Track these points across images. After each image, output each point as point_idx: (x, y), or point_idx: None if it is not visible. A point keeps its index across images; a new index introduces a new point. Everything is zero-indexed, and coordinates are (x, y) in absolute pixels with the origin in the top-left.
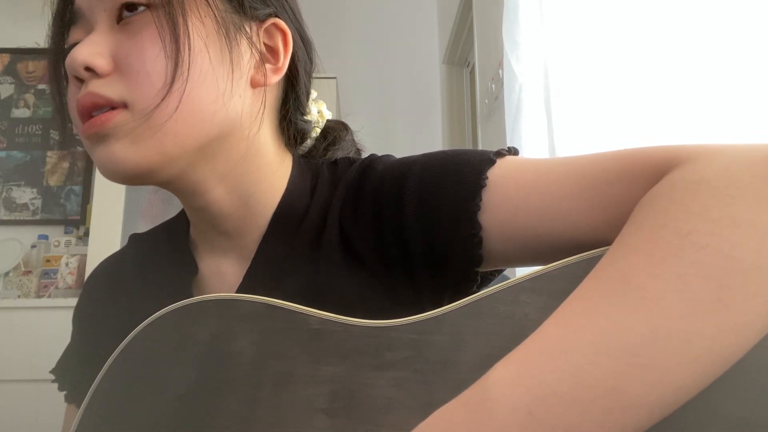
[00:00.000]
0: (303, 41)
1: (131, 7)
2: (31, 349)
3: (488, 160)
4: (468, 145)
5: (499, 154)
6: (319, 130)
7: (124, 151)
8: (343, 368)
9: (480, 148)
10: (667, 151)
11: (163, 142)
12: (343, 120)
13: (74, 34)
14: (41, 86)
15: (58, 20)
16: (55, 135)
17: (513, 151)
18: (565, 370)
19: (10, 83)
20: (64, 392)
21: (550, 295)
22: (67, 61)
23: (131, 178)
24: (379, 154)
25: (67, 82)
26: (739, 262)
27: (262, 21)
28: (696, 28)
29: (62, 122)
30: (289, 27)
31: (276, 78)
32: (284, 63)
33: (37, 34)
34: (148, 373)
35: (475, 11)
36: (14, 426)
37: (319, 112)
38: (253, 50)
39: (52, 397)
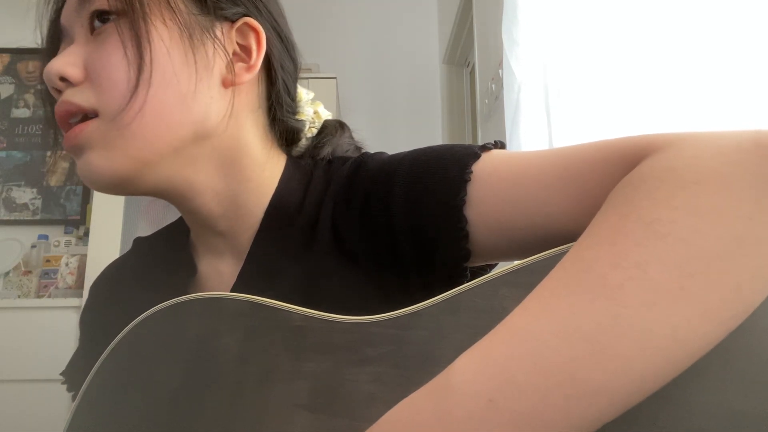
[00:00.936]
0: (282, 40)
1: (101, 18)
2: (31, 349)
3: (473, 154)
4: None
5: (485, 148)
6: (315, 131)
7: (100, 160)
8: (324, 364)
9: None
10: (642, 140)
11: (134, 147)
12: (343, 120)
13: (60, 51)
14: (41, 86)
15: (49, 41)
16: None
17: (499, 145)
18: (526, 357)
19: (10, 83)
20: (72, 393)
21: (529, 288)
22: (44, 72)
23: (112, 186)
24: (372, 152)
25: None
26: (702, 250)
27: (233, 21)
28: (695, 27)
29: (54, 138)
30: (263, 26)
31: (248, 76)
32: (257, 61)
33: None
34: (136, 371)
35: (475, 11)
36: (14, 426)
37: (315, 112)
38: (220, 51)
39: (52, 397)
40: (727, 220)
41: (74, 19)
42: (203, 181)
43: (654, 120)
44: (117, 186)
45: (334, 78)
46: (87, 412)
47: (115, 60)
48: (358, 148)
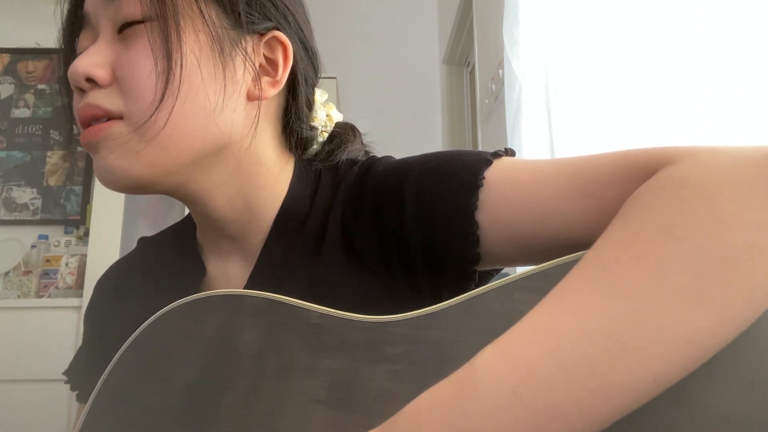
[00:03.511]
0: (307, 52)
1: (130, 21)
2: (31, 349)
3: (485, 160)
4: (468, 146)
5: (496, 155)
6: (326, 135)
7: (118, 163)
8: (341, 361)
9: (480, 148)
10: (658, 152)
11: (155, 156)
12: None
13: (82, 40)
14: (41, 86)
15: (69, 23)
16: (55, 135)
17: (510, 152)
18: (547, 352)
19: (10, 83)
20: (76, 392)
21: (543, 293)
22: (69, 71)
23: (126, 188)
24: (379, 156)
25: None
26: (718, 255)
27: (262, 34)
28: (695, 27)
29: (68, 122)
30: (291, 39)
31: (273, 91)
32: (283, 76)
33: (37, 34)
34: (154, 366)
35: (475, 11)
36: (14, 426)
37: (327, 116)
38: (249, 65)
39: (52, 397)
40: (742, 227)
41: (101, 12)
42: (217, 188)
43: (654, 120)
44: (131, 188)
45: (334, 78)
46: (105, 405)
47: (145, 68)
48: (367, 152)
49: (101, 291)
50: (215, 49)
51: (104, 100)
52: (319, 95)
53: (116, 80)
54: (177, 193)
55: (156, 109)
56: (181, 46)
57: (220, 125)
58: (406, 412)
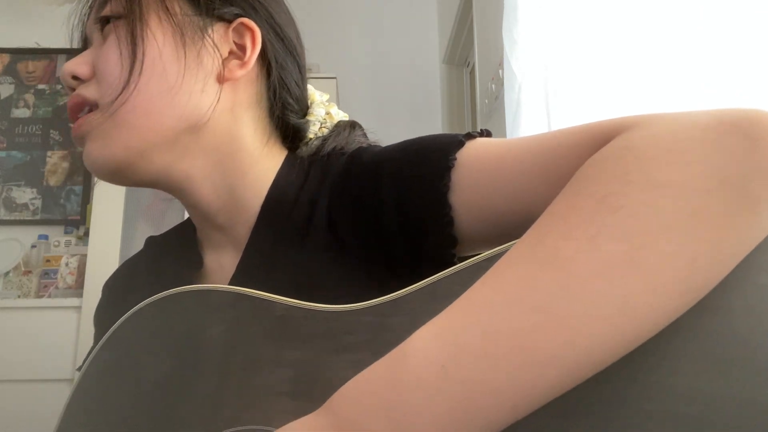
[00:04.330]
0: (280, 38)
1: (105, 21)
2: (31, 349)
3: (457, 142)
4: None
5: (470, 136)
6: (326, 131)
7: (97, 149)
8: (305, 352)
9: None
10: (612, 122)
11: (125, 136)
12: None
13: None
14: (41, 86)
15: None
16: (55, 135)
17: (485, 134)
18: (477, 326)
19: (10, 83)
20: None
21: None
22: (60, 74)
23: (110, 173)
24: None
25: None
26: (653, 223)
27: (230, 21)
28: (695, 27)
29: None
30: (260, 25)
31: (241, 72)
32: (250, 58)
33: (37, 34)
34: (125, 365)
35: (475, 11)
36: (14, 426)
37: (328, 113)
38: (212, 48)
39: (52, 397)
40: (682, 193)
41: (92, 28)
42: (200, 174)
43: None
44: (114, 173)
45: (334, 78)
46: (81, 402)
47: (112, 56)
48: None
49: (109, 291)
50: (176, 34)
51: (84, 90)
52: (319, 95)
53: (94, 73)
54: (161, 182)
55: (121, 91)
56: (143, 33)
57: (184, 104)
58: (342, 390)
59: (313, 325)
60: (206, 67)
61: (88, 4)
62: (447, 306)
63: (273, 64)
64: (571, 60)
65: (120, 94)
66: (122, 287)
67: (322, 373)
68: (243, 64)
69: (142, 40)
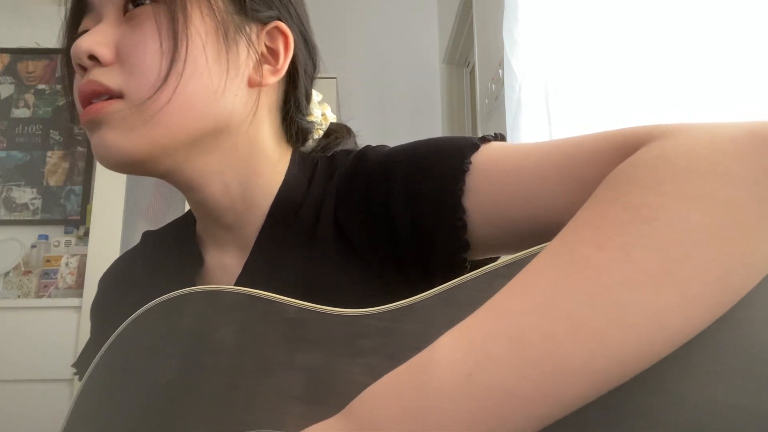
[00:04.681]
0: (307, 45)
1: (137, 2)
2: (31, 349)
3: (472, 145)
4: None
5: (485, 139)
6: (321, 132)
7: (116, 139)
8: (318, 356)
9: None
10: (639, 130)
11: (153, 133)
12: (344, 120)
13: (84, 25)
14: (41, 86)
15: (72, 15)
16: (55, 135)
17: (499, 137)
18: (505, 334)
19: (10, 83)
20: None
21: None
22: (72, 49)
23: (123, 165)
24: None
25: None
26: (688, 236)
27: (264, 23)
28: (695, 27)
29: (69, 121)
30: (292, 31)
31: (274, 79)
32: (283, 65)
33: (37, 34)
34: (134, 365)
35: (475, 11)
36: (14, 426)
37: (323, 114)
38: (251, 51)
39: (52, 397)
40: (716, 207)
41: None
42: (215, 173)
43: (655, 120)
44: (129, 165)
45: (334, 78)
46: (88, 402)
47: (150, 48)
48: None
49: (105, 286)
50: (220, 32)
51: (106, 77)
52: (315, 95)
53: (119, 59)
54: (172, 176)
55: (159, 88)
56: (187, 27)
57: (221, 107)
58: (364, 395)
59: (327, 328)
60: (241, 69)
61: None
62: (464, 313)
63: (300, 71)
64: (571, 60)
65: (156, 93)
66: (120, 282)
67: (336, 376)
68: (275, 71)
69: (186, 34)
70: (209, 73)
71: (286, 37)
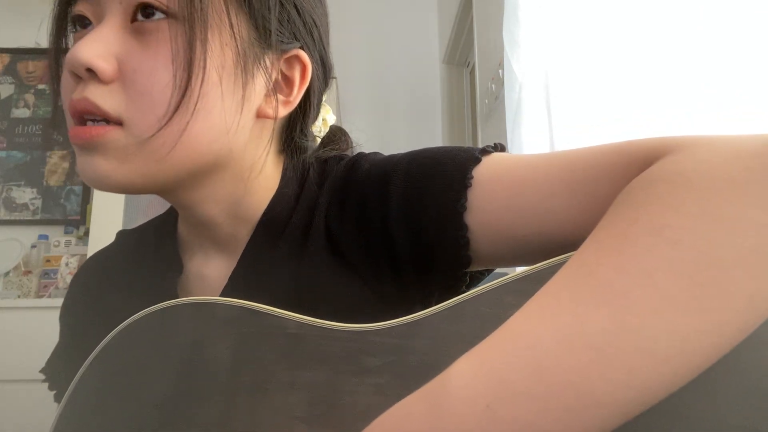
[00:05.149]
0: (324, 67)
1: (148, 11)
2: (31, 349)
3: (473, 158)
4: (468, 145)
5: (485, 151)
6: (319, 139)
7: (108, 169)
8: (321, 374)
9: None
10: (653, 142)
11: (150, 168)
12: (343, 120)
13: (79, 8)
14: (41, 86)
15: (61, 6)
16: (55, 135)
17: (500, 148)
18: (526, 365)
19: (10, 83)
20: (54, 392)
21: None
22: (69, 56)
23: (109, 190)
24: (368, 152)
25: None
26: (715, 259)
27: (284, 51)
28: (695, 27)
29: (54, 122)
30: (311, 58)
31: (285, 111)
32: (297, 97)
33: (37, 34)
34: (124, 378)
35: (475, 11)
36: (14, 426)
37: (323, 120)
38: (266, 82)
39: (52, 397)
40: (741, 228)
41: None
42: (208, 196)
43: (654, 120)
44: (114, 190)
45: (334, 78)
46: (71, 421)
47: (161, 77)
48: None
49: (80, 287)
50: (239, 65)
51: (104, 99)
52: None
53: (121, 78)
54: (163, 195)
55: (166, 123)
56: (205, 58)
57: (225, 142)
58: (378, 422)
59: (330, 344)
60: (252, 101)
61: None
62: (473, 328)
63: (313, 100)
64: (571, 60)
65: (162, 129)
66: (95, 284)
67: (341, 397)
68: (288, 102)
69: (204, 66)
70: (222, 110)
71: (304, 66)
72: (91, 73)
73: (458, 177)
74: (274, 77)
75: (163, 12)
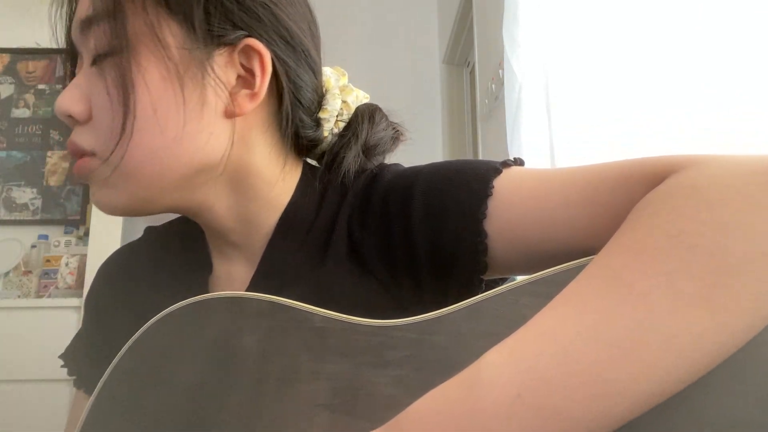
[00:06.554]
0: (292, 47)
1: (99, 56)
2: (31, 349)
3: (494, 169)
4: (468, 145)
5: (506, 164)
6: (342, 124)
7: (102, 196)
8: (344, 365)
9: (480, 147)
10: (666, 159)
11: (131, 188)
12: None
13: (79, 67)
14: (41, 86)
15: (66, 52)
16: (55, 135)
17: (519, 162)
18: (554, 356)
19: (10, 83)
20: (74, 377)
21: (549, 298)
22: (55, 108)
23: (120, 214)
24: (388, 164)
25: None
26: (727, 263)
27: (234, 44)
28: (695, 28)
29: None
30: (269, 44)
31: (251, 105)
32: (261, 88)
33: (37, 34)
34: (156, 368)
35: (475, 11)
36: (14, 426)
37: (344, 102)
38: (219, 84)
39: (52, 397)
40: (752, 236)
41: (79, 40)
42: (213, 201)
43: (654, 120)
44: (126, 214)
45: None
46: (104, 408)
47: (105, 105)
48: (396, 131)
49: (107, 276)
50: (173, 75)
51: (81, 137)
52: (335, 80)
53: (92, 115)
54: (177, 210)
55: (116, 145)
56: (133, 77)
57: (190, 150)
58: (411, 411)
59: (353, 338)
60: (212, 105)
61: (66, 15)
62: (491, 326)
63: (285, 85)
64: (571, 60)
65: (114, 150)
66: (123, 275)
67: (363, 387)
68: (253, 95)
69: (133, 85)
70: (164, 123)
71: (260, 54)
72: (72, 119)
73: (480, 186)
74: (235, 74)
75: (100, 54)
